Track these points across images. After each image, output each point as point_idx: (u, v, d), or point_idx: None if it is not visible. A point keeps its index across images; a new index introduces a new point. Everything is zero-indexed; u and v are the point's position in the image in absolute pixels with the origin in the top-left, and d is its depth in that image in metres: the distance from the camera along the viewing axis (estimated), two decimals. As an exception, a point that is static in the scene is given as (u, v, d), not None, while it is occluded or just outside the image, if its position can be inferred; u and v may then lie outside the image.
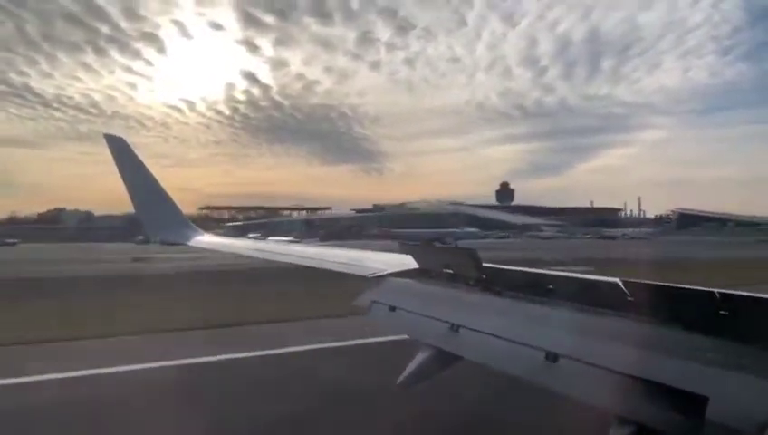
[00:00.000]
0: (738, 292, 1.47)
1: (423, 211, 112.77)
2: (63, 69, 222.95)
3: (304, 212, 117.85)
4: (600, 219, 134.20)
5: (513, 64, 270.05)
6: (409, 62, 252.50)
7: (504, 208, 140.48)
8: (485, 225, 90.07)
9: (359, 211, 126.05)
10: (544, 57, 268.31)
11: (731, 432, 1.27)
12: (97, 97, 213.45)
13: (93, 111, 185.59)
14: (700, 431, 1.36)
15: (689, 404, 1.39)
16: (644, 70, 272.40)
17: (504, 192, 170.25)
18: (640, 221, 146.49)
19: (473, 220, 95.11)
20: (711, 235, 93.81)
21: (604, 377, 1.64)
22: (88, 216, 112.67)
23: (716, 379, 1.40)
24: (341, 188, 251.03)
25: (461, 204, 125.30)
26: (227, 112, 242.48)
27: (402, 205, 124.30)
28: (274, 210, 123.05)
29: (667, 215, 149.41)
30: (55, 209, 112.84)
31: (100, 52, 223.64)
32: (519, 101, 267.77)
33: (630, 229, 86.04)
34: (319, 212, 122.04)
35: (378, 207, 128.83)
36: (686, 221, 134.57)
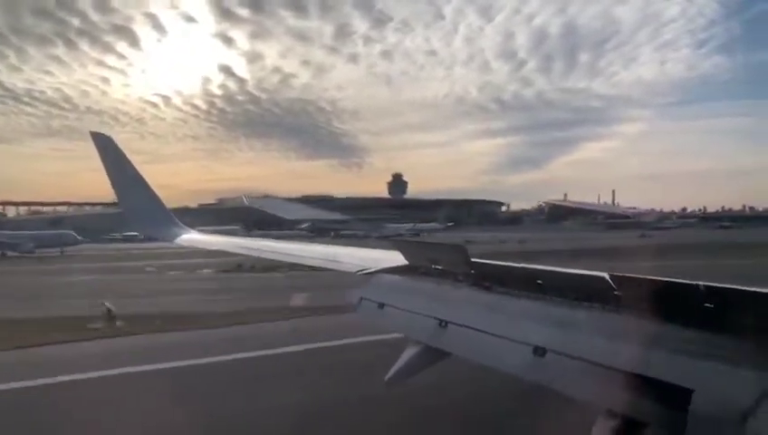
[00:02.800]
0: (722, 285, 1.46)
1: (225, 206, 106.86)
2: (33, 62, 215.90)
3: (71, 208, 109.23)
4: (483, 213, 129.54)
5: (491, 58, 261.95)
6: (387, 55, 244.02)
7: (395, 202, 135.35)
8: (262, 221, 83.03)
9: (201, 205, 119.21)
10: (521, 50, 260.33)
11: (715, 422, 1.28)
12: (69, 91, 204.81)
13: (66, 105, 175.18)
14: (684, 423, 1.35)
15: (674, 396, 1.39)
16: (621, 63, 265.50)
17: (397, 184, 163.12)
18: (520, 215, 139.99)
19: (255, 215, 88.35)
20: (548, 229, 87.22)
21: (590, 371, 1.65)
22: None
23: (700, 371, 1.40)
24: (322, 182, 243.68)
25: (297, 198, 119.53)
26: (204, 107, 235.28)
27: (236, 198, 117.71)
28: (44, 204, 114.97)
29: (540, 206, 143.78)
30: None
31: (70, 45, 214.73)
32: (497, 94, 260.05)
33: (411, 225, 78.70)
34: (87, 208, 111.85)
35: (221, 201, 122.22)
36: (557, 214, 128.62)
